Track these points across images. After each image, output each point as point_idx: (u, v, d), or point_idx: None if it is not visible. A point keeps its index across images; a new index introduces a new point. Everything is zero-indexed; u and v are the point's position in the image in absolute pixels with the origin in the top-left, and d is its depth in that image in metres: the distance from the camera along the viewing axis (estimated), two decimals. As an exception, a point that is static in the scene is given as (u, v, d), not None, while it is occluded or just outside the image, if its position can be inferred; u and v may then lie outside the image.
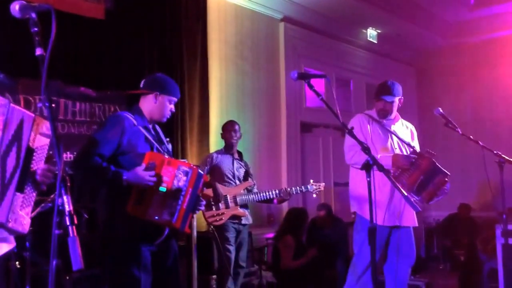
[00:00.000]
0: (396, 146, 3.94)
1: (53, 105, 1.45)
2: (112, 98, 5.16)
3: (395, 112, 4.04)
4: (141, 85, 3.07)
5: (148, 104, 3.02)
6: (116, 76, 5.19)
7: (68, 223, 1.39)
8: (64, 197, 1.41)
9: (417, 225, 3.97)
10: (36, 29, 1.59)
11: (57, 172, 1.48)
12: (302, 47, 7.72)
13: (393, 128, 4.02)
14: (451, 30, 9.07)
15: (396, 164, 3.74)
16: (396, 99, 3.97)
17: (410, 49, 9.53)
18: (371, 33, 8.57)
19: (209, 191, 4.71)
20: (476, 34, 8.90)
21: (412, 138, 4.10)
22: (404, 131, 4.09)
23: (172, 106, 3.07)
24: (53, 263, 1.38)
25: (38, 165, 2.07)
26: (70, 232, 1.39)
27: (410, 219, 3.89)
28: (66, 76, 4.92)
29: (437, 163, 3.77)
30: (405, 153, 3.91)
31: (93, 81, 5.11)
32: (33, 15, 1.59)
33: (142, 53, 5.59)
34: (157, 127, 3.14)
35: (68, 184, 1.44)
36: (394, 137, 3.96)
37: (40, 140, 2.08)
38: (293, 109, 7.49)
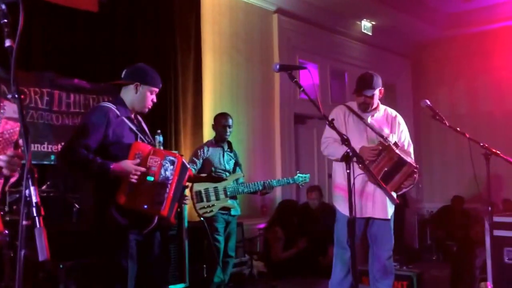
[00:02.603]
0: (374, 138, 3.92)
1: (22, 96, 1.46)
2: (106, 89, 5.18)
3: (375, 104, 4.01)
4: (123, 75, 3.07)
5: (129, 94, 3.03)
6: (110, 68, 5.21)
7: (35, 214, 1.40)
8: (31, 188, 1.42)
9: (388, 217, 3.94)
10: (5, 20, 1.59)
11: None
12: (296, 39, 7.71)
13: (371, 120, 3.99)
14: (446, 22, 9.04)
15: (362, 156, 3.74)
16: (377, 91, 3.93)
17: (405, 40, 9.51)
18: (366, 25, 8.55)
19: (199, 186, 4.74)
20: (470, 26, 8.87)
21: (393, 129, 4.04)
22: (383, 123, 4.04)
23: (153, 97, 3.07)
24: (21, 253, 1.40)
25: (5, 150, 2.01)
26: (37, 223, 1.40)
27: (382, 211, 3.89)
28: (60, 68, 4.96)
29: (402, 155, 3.74)
30: None
31: (87, 73, 5.14)
32: (3, 6, 1.59)
33: (136, 45, 5.60)
34: (139, 117, 3.15)
35: (36, 175, 1.45)
36: (370, 130, 3.93)
37: (5, 123, 2.01)
38: (286, 100, 7.48)
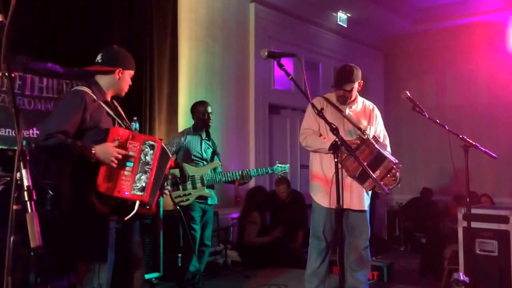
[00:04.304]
0: (351, 131, 3.89)
1: (13, 75, 1.38)
2: (80, 75, 5.04)
3: (354, 96, 3.99)
4: (100, 60, 2.97)
5: (109, 79, 2.96)
6: (84, 53, 5.07)
7: (26, 199, 1.33)
8: (23, 171, 1.35)
9: (365, 208, 3.94)
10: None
11: None
12: (272, 29, 7.68)
13: (349, 112, 3.97)
14: (418, 16, 9.15)
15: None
16: (356, 84, 3.91)
17: (379, 33, 9.59)
18: (341, 17, 8.57)
19: (176, 171, 4.68)
20: (442, 21, 9.00)
21: (370, 121, 4.04)
22: (361, 115, 4.02)
23: (130, 80, 3.04)
24: (11, 240, 1.33)
25: None
26: (28, 208, 1.33)
27: (359, 203, 3.90)
28: (33, 52, 4.80)
29: (381, 150, 3.72)
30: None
31: (61, 57, 5.01)
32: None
33: (112, 30, 5.48)
34: (114, 102, 3.08)
35: (27, 158, 1.37)
36: (347, 122, 3.90)
37: None
38: (261, 90, 7.47)
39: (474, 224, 4.33)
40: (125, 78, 2.98)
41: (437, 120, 3.88)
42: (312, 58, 8.52)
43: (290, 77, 2.66)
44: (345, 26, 8.68)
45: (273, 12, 7.66)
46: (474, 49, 8.95)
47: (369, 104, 4.13)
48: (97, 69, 2.98)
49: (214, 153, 4.94)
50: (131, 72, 3.02)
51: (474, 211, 4.37)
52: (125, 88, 3.02)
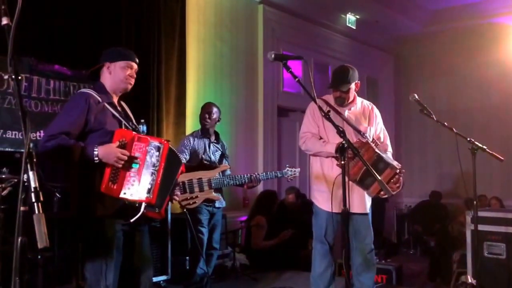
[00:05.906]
0: (351, 133, 3.81)
1: (20, 77, 1.39)
2: (87, 77, 5.05)
3: (352, 97, 3.93)
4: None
5: (106, 77, 2.95)
6: (92, 56, 5.07)
7: (33, 200, 1.34)
8: (30, 173, 1.36)
9: (367, 211, 3.88)
10: (0, -3, 1.52)
11: None
12: (281, 31, 7.68)
13: (348, 114, 3.91)
14: (429, 18, 9.12)
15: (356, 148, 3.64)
16: (353, 85, 3.84)
17: (388, 35, 9.56)
18: (350, 19, 8.56)
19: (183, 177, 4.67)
20: (452, 22, 8.96)
21: (370, 122, 3.97)
22: (360, 116, 3.96)
23: (130, 72, 2.95)
24: (18, 241, 1.34)
25: None
26: (35, 209, 1.34)
27: (360, 206, 3.84)
28: (40, 53, 4.82)
29: (382, 154, 3.63)
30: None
31: (68, 59, 5.02)
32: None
33: (120, 32, 5.51)
34: (123, 103, 3.07)
35: (34, 159, 1.38)
36: (347, 125, 3.82)
37: None
38: (270, 93, 7.46)
39: (482, 227, 4.31)
40: (117, 70, 2.91)
41: (445, 123, 3.86)
42: (321, 60, 8.50)
43: (297, 79, 2.65)
44: (354, 28, 8.66)
45: (281, 14, 7.66)
46: (485, 51, 8.88)
47: (368, 104, 4.06)
48: (92, 69, 2.98)
49: (223, 156, 4.93)
50: (122, 63, 2.92)
51: (482, 214, 4.35)
52: (123, 80, 2.93)
